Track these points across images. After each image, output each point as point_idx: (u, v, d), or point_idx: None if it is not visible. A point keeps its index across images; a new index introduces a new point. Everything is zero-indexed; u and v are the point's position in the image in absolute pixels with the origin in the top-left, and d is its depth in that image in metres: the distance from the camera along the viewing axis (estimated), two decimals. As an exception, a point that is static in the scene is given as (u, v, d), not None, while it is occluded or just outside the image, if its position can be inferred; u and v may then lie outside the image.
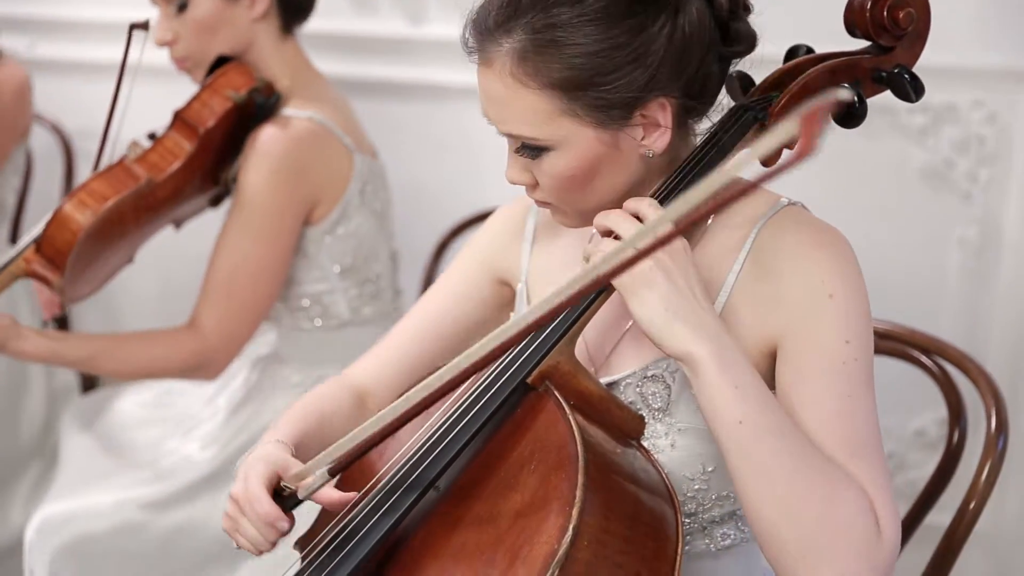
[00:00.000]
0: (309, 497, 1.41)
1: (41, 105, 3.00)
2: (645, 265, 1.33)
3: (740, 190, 1.10)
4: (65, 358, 2.21)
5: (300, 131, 2.25)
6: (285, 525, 1.41)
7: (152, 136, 2.24)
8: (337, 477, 1.44)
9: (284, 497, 1.42)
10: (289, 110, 2.28)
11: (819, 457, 1.33)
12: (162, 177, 2.18)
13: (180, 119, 2.22)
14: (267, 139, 2.23)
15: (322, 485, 1.39)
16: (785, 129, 1.05)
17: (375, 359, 1.72)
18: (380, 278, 2.43)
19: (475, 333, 1.69)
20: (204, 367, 2.27)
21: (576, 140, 1.39)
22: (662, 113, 1.40)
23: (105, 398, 2.64)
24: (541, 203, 1.48)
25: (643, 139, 1.41)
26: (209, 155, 2.24)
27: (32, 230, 2.15)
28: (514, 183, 1.46)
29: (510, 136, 1.42)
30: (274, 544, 1.44)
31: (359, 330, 2.40)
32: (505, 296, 1.69)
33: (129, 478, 2.33)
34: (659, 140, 1.41)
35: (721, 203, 1.11)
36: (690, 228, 1.36)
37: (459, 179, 2.95)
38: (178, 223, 2.39)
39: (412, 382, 1.67)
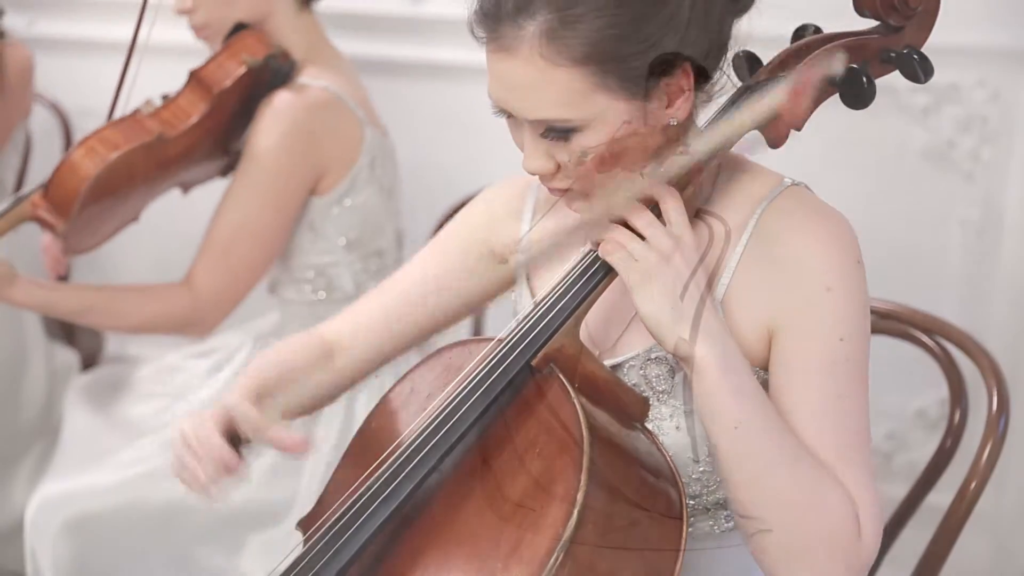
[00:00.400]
0: (262, 439, 1.40)
1: (40, 83, 2.99)
2: (653, 260, 1.33)
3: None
4: (57, 308, 2.22)
5: (314, 99, 2.27)
6: (235, 464, 1.38)
7: (166, 97, 2.25)
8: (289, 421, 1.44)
9: (240, 444, 1.41)
10: (304, 78, 2.30)
11: (808, 462, 1.34)
12: (174, 134, 2.20)
13: (196, 78, 2.24)
14: (281, 103, 2.24)
15: (273, 429, 1.38)
16: (776, 96, 1.05)
17: (351, 315, 1.70)
18: (385, 254, 2.43)
19: (458, 302, 1.68)
20: (195, 324, 2.29)
21: (609, 115, 1.37)
22: (685, 78, 1.39)
23: (106, 375, 2.64)
24: (558, 190, 1.45)
25: (667, 107, 1.40)
26: (222, 118, 2.25)
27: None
28: (535, 172, 1.43)
29: (540, 122, 1.38)
30: (224, 492, 1.41)
31: None
32: (496, 271, 1.67)
33: (130, 454, 2.33)
34: (683, 106, 1.40)
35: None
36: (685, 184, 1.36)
37: (460, 158, 2.95)
38: (186, 187, 2.40)
39: (389, 341, 1.66)
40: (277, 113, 2.23)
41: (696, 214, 1.45)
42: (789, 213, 1.43)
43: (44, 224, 2.13)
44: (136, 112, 2.20)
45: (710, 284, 1.38)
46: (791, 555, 1.34)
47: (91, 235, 2.25)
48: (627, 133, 1.38)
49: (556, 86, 1.35)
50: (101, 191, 2.13)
